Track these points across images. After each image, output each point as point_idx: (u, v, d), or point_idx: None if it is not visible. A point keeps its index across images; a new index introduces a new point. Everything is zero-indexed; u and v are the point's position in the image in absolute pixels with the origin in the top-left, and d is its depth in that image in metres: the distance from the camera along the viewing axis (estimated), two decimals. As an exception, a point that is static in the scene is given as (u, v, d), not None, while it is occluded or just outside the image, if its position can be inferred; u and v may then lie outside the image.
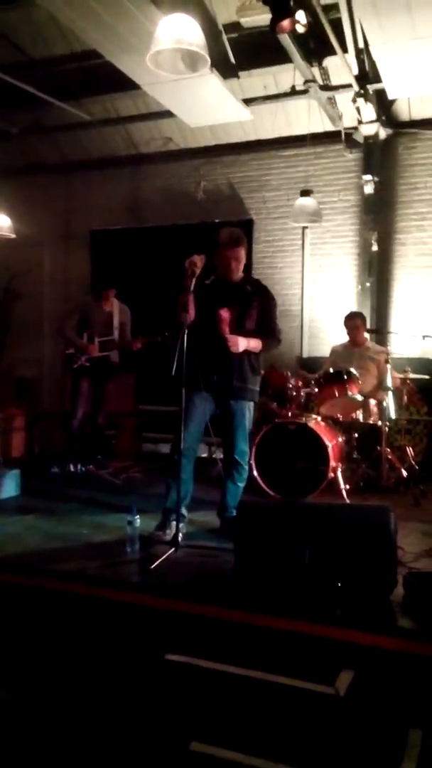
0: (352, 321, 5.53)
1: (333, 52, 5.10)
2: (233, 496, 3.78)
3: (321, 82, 5.61)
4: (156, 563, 3.15)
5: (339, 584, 2.68)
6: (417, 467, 5.12)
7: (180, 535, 3.46)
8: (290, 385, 4.92)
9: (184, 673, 2.27)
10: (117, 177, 7.39)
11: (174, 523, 3.53)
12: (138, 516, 3.43)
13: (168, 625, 2.68)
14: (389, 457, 4.89)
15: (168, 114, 6.10)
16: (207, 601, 2.83)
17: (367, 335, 5.61)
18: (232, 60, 5.40)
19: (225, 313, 3.58)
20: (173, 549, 3.33)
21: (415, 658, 2.40)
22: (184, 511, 3.67)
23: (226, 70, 5.35)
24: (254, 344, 3.66)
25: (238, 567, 2.97)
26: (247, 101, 5.89)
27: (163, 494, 3.72)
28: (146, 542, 3.49)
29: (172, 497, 3.60)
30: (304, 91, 5.67)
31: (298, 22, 4.36)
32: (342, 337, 5.71)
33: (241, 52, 5.41)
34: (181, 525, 3.52)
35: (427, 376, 5.37)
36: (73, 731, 1.89)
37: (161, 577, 3.06)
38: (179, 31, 3.74)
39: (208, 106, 5.66)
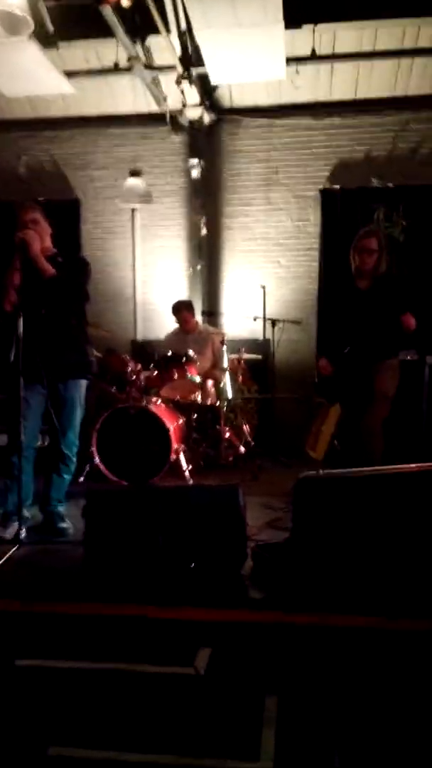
0: (177, 313, 5.57)
1: (157, 31, 5.05)
2: (57, 488, 3.61)
3: (145, 61, 5.53)
4: (-3, 564, 2.96)
5: (192, 565, 2.71)
6: (253, 443, 5.36)
7: (23, 532, 3.27)
8: (129, 369, 4.86)
9: (37, 677, 2.15)
10: None
11: (15, 523, 3.33)
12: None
13: (16, 628, 2.53)
14: (227, 435, 5.06)
15: (-20, 81, 5.63)
16: (57, 598, 2.72)
17: (198, 319, 5.71)
18: (50, 28, 5.12)
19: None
20: (16, 547, 3.15)
21: (266, 626, 2.50)
22: (26, 512, 3.47)
23: (44, 38, 5.05)
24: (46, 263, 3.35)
25: (89, 558, 2.88)
26: (69, 74, 5.63)
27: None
28: (-16, 542, 3.26)
29: (11, 500, 3.40)
30: (128, 69, 5.56)
31: (122, -5, 4.24)
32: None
33: (60, 21, 5.13)
34: (23, 528, 3.32)
35: (258, 356, 5.62)
36: None
37: (4, 578, 2.88)
38: (-6, -9, 3.47)
39: (25, 74, 5.32)
